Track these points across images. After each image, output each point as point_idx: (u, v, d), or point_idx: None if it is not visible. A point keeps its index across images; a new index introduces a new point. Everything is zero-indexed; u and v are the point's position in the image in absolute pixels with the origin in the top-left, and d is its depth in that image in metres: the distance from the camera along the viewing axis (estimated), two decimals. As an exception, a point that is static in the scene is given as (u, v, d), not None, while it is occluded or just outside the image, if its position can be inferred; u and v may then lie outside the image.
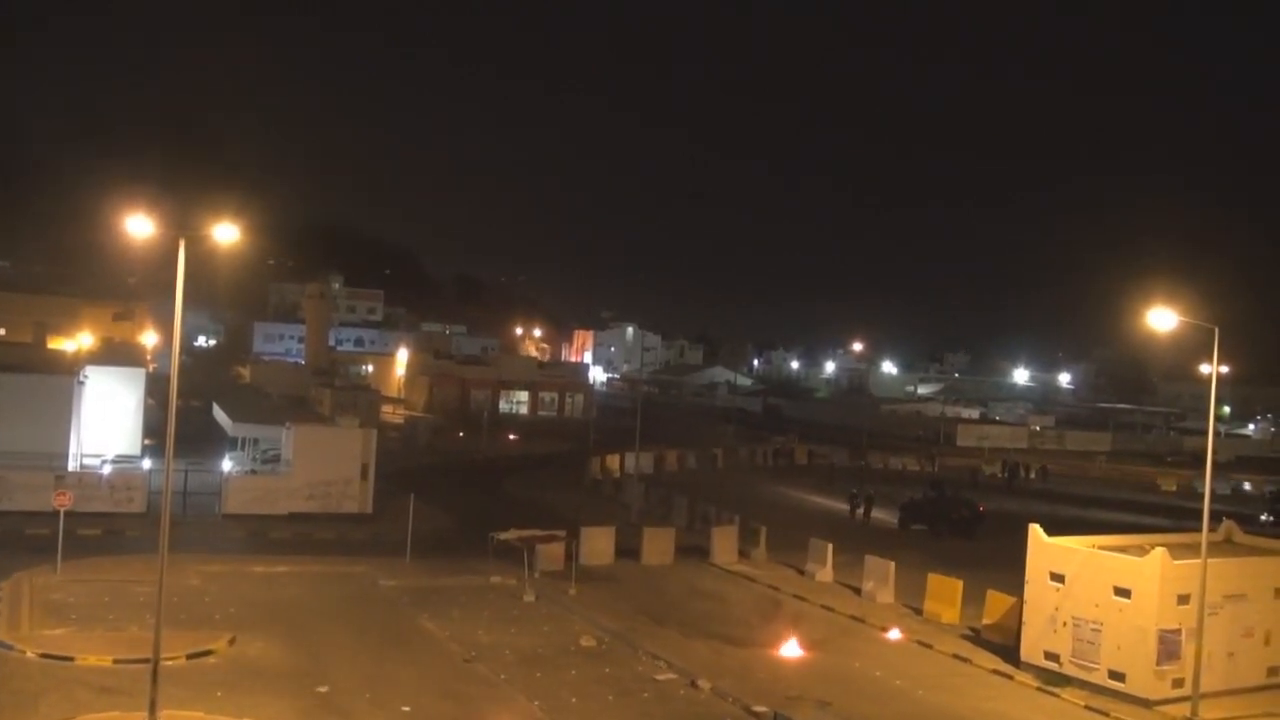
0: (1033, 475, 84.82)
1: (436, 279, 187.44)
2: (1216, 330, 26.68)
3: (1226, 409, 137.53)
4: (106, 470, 45.84)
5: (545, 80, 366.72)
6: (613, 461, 66.90)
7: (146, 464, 48.92)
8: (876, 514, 56.32)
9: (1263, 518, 57.27)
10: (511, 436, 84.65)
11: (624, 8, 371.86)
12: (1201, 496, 27.88)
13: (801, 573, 40.08)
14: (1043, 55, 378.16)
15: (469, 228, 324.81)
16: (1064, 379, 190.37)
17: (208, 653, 26.21)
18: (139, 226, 23.09)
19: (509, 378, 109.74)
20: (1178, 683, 26.30)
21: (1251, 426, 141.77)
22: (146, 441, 53.76)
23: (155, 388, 59.92)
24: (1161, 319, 26.92)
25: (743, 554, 42.40)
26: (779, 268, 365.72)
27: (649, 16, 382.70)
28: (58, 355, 67.35)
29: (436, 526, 44.25)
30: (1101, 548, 29.15)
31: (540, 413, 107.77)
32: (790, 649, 29.74)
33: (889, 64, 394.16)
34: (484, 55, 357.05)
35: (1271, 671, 28.36)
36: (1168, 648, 26.39)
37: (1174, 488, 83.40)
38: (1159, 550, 27.03)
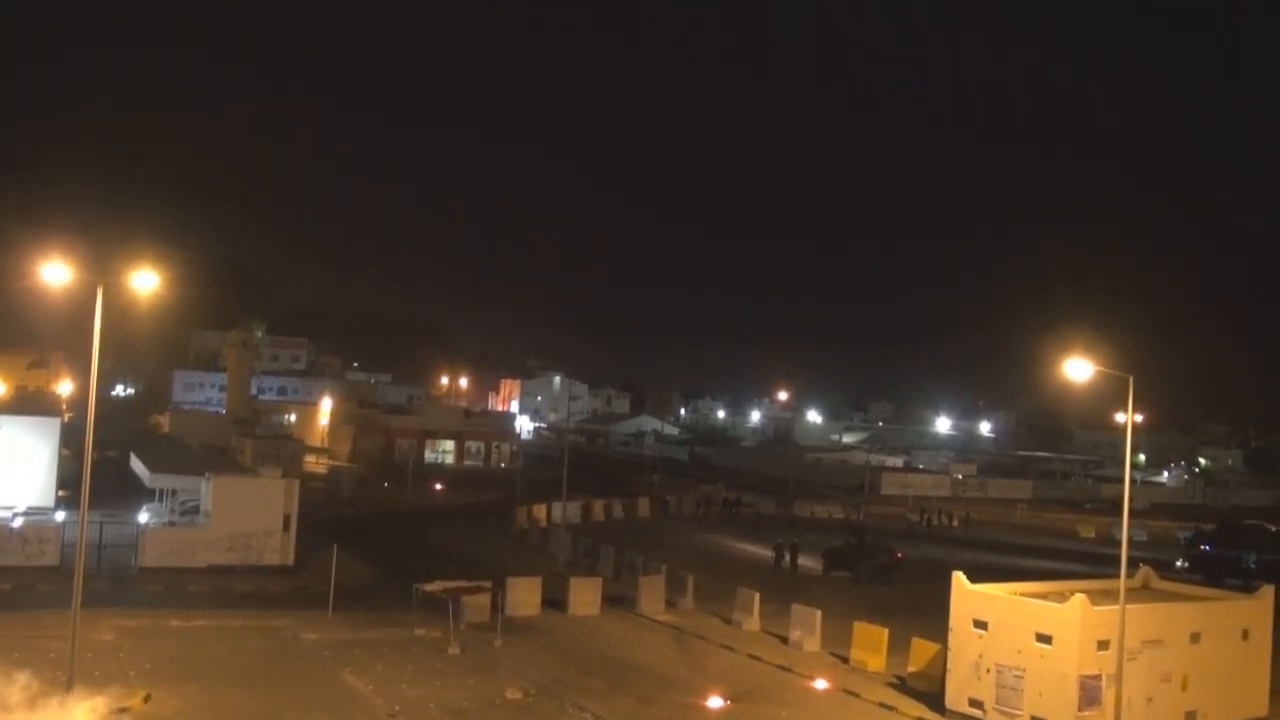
0: (955, 523, 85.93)
1: (359, 325, 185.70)
2: (1131, 379, 27.31)
3: (1142, 457, 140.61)
4: (18, 523, 44.61)
5: (478, 129, 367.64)
6: (539, 511, 66.54)
7: (60, 516, 47.70)
8: (803, 561, 56.60)
9: (1179, 564, 58.37)
10: (437, 486, 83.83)
11: (545, 59, 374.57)
12: (1119, 543, 28.36)
13: (729, 622, 40.05)
14: (961, 101, 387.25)
15: (394, 275, 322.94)
16: (985, 427, 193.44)
17: (122, 710, 25.45)
18: (56, 272, 22.72)
19: (435, 427, 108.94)
20: (1099, 728, 26.63)
21: (1166, 474, 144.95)
22: (60, 493, 52.48)
23: (70, 437, 58.54)
24: (1078, 368, 27.49)
25: (670, 603, 42.29)
26: (705, 317, 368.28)
27: (573, 68, 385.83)
28: (-32, 405, 65.65)
29: (360, 578, 43.62)
30: (1023, 594, 29.51)
31: (466, 462, 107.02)
32: (717, 700, 29.65)
33: (810, 109, 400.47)
34: (419, 105, 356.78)
35: (1189, 716, 28.80)
36: (1089, 693, 26.73)
37: (1093, 534, 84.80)
38: (1079, 597, 27.43)
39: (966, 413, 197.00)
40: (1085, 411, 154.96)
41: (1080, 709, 26.64)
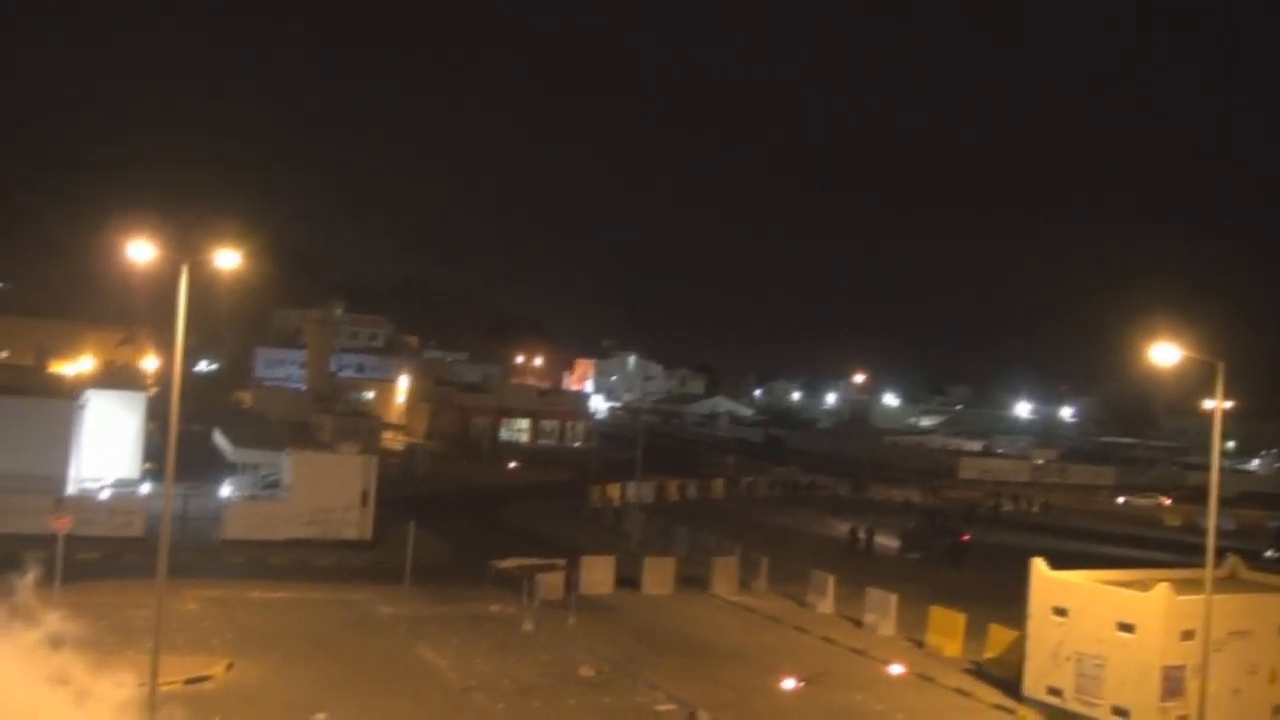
0: (1035, 508, 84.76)
1: (442, 305, 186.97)
2: (1221, 365, 26.59)
3: (1231, 444, 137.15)
4: (105, 494, 45.70)
5: (557, 118, 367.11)
6: (613, 490, 66.69)
7: (146, 488, 48.80)
8: (879, 541, 56.27)
9: (1267, 554, 57.01)
10: (512, 464, 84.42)
11: (627, 58, 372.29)
12: (1205, 531, 27.68)
13: (802, 604, 39.86)
14: (1041, 91, 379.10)
15: (474, 253, 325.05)
16: (1067, 412, 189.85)
17: (205, 678, 26.04)
18: (142, 252, 23.12)
19: (510, 405, 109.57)
20: (1182, 720, 26.08)
21: (1256, 462, 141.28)
22: (146, 466, 53.65)
23: (156, 411, 59.80)
24: (1165, 354, 26.81)
25: (744, 585, 42.18)
26: (782, 299, 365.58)
27: (653, 58, 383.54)
28: (58, 379, 67.24)
29: (436, 554, 44.05)
30: (1105, 582, 28.98)
31: (541, 441, 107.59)
32: (790, 681, 29.52)
33: (886, 105, 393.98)
34: (496, 91, 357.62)
35: (1276, 710, 28.12)
36: (1172, 684, 26.18)
37: (1178, 522, 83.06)
38: (1162, 585, 26.85)
39: (1048, 398, 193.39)
40: (1171, 397, 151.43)
41: (1163, 700, 26.11)
